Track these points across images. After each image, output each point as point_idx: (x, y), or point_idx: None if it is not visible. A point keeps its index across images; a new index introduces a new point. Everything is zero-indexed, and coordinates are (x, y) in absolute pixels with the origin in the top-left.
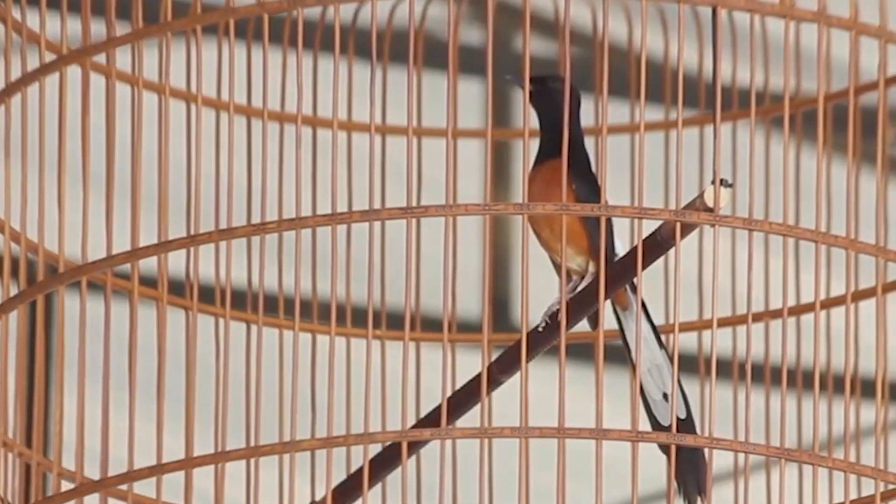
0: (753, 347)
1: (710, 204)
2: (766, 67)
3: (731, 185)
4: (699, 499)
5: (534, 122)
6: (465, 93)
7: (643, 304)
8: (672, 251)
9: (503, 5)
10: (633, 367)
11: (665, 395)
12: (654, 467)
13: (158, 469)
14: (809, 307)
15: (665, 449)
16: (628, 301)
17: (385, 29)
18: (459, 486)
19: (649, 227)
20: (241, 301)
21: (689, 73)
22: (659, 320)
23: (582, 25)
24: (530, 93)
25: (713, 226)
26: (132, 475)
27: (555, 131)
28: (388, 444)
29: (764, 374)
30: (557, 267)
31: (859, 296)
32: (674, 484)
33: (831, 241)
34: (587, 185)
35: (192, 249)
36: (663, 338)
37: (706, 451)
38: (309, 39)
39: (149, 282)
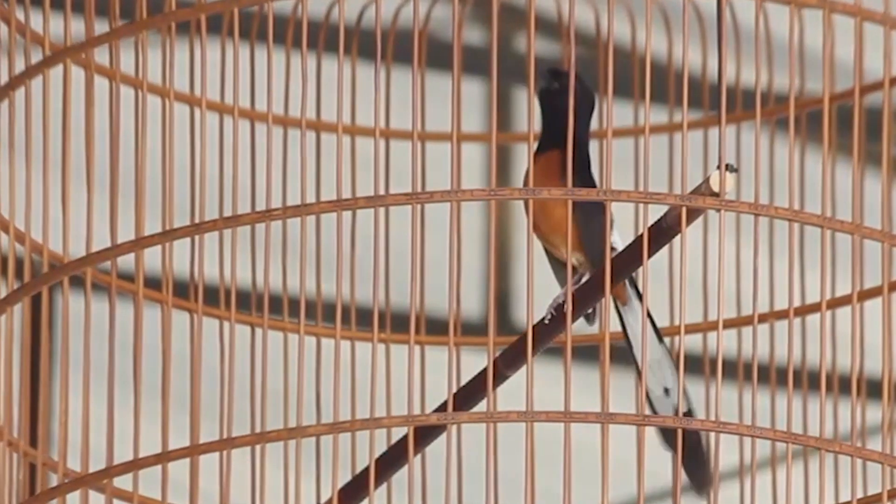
0: (758, 348)
1: (716, 189)
2: (770, 67)
3: (736, 170)
4: (707, 488)
5: (537, 123)
6: (466, 94)
7: (641, 298)
8: (677, 242)
9: (506, 6)
10: (635, 360)
11: (666, 390)
12: (657, 464)
13: (164, 457)
14: (815, 307)
15: (669, 444)
16: (628, 296)
17: (389, 30)
18: (464, 485)
19: (654, 213)
20: (246, 303)
21: (692, 74)
22: (664, 321)
23: (585, 26)
24: (546, 91)
25: (719, 210)
26: (138, 463)
27: (562, 126)
28: (392, 443)
29: (769, 375)
30: (554, 262)
31: (865, 295)
32: (681, 474)
33: (837, 226)
34: (583, 180)
35: (196, 239)
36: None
37: (711, 436)
38: (313, 40)
39: (153, 282)
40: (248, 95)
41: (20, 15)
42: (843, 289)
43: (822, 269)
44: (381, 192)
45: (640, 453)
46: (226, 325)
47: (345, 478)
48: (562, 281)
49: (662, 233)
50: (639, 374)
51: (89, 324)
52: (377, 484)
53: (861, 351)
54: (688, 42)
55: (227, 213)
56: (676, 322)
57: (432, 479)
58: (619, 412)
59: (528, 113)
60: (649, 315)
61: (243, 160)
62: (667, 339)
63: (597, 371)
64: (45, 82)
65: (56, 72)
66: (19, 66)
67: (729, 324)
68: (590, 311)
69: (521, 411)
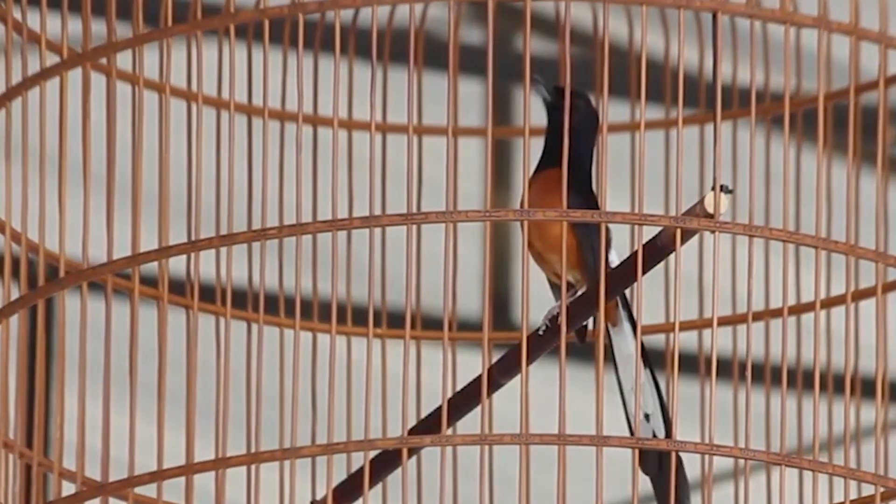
0: (753, 347)
1: (710, 210)
2: (766, 67)
3: (731, 191)
4: None
5: (540, 121)
6: (464, 93)
7: (632, 319)
8: (672, 256)
9: (503, 5)
10: (620, 384)
11: (647, 416)
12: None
13: (159, 475)
14: (810, 306)
15: (646, 468)
16: (618, 317)
17: (385, 29)
18: (460, 485)
19: (648, 233)
20: (242, 301)
21: (689, 72)
22: (658, 319)
23: (582, 26)
24: (552, 105)
25: (713, 232)
26: (133, 481)
27: (562, 145)
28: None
29: (764, 374)
30: (548, 282)
31: (859, 295)
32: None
33: (832, 246)
34: (583, 200)
35: (192, 255)
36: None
37: (704, 457)
38: (309, 40)
39: (150, 281)
40: (246, 94)
41: (17, 14)
42: (839, 288)
43: (815, 286)
44: (378, 194)
45: (635, 475)
46: (222, 320)
47: None
48: (558, 296)
49: (657, 251)
50: (622, 398)
51: (85, 334)
52: (372, 484)
53: (856, 358)
54: (683, 46)
55: (224, 222)
56: (671, 321)
57: (427, 476)
58: (613, 435)
59: (523, 111)
60: (636, 337)
61: (240, 163)
62: (660, 336)
63: (591, 368)
64: (42, 94)
65: (53, 81)
66: (16, 65)
67: (724, 321)
68: (581, 328)
69: (515, 434)
